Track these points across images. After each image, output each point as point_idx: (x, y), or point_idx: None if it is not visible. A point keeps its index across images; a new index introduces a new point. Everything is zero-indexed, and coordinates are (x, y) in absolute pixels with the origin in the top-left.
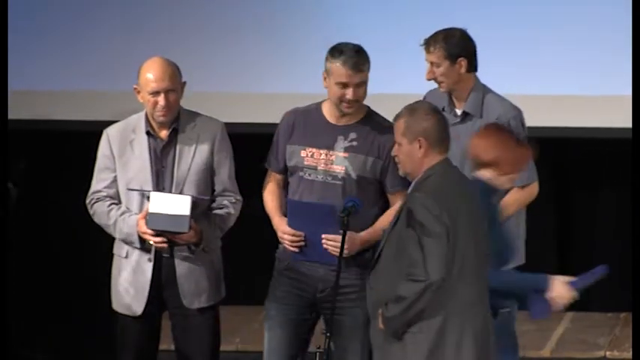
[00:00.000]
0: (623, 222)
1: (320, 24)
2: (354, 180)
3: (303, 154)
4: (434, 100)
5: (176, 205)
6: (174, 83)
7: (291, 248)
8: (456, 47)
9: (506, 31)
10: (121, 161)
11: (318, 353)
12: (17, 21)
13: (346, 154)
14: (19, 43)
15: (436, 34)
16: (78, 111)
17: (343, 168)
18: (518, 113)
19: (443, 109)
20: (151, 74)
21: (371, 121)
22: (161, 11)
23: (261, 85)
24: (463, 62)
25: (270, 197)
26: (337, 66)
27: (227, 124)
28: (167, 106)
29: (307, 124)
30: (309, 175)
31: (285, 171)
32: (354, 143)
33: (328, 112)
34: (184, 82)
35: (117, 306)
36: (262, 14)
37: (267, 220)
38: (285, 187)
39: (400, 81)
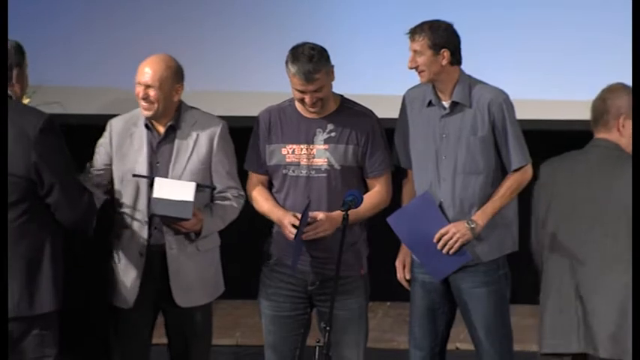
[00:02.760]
0: None
1: (319, 24)
2: (337, 170)
3: (284, 151)
4: (418, 97)
5: (180, 191)
6: (156, 80)
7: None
8: (440, 38)
9: (509, 33)
10: (120, 152)
11: (317, 347)
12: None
13: (326, 146)
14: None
15: (422, 23)
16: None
17: (325, 160)
18: (507, 97)
19: (430, 103)
20: (140, 66)
21: (346, 109)
22: (163, 9)
23: (262, 84)
24: (446, 53)
25: (262, 197)
26: (292, 74)
27: (233, 118)
28: (145, 99)
29: (284, 121)
30: (293, 171)
31: (267, 171)
32: (333, 134)
33: (302, 107)
34: (179, 86)
35: (111, 299)
36: (263, 15)
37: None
38: (269, 187)
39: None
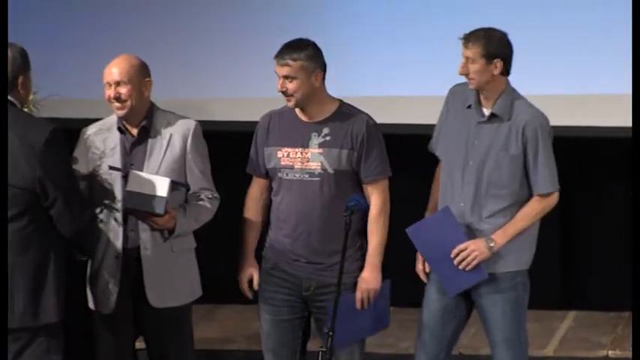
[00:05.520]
0: (627, 220)
1: (325, 26)
2: (331, 175)
3: (279, 154)
4: (462, 95)
5: (154, 185)
6: (124, 76)
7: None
8: (494, 47)
9: (514, 33)
10: (94, 157)
11: (320, 352)
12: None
13: (321, 150)
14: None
15: (478, 30)
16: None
17: (319, 164)
18: (545, 120)
19: (470, 107)
20: (105, 69)
21: (342, 113)
22: (161, 16)
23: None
24: (498, 64)
25: (245, 223)
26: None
27: (230, 123)
28: (117, 98)
29: (282, 124)
30: (287, 174)
31: (268, 174)
32: (328, 138)
33: (300, 111)
34: (148, 80)
35: (90, 304)
36: (269, 18)
37: (269, 218)
38: (270, 190)
39: (404, 83)
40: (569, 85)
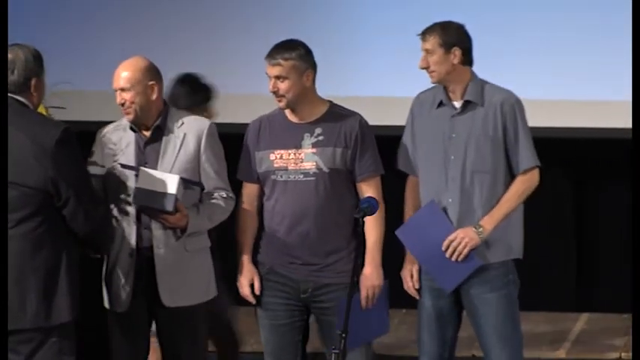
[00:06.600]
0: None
1: (333, 27)
2: (326, 174)
3: (272, 157)
4: (427, 100)
5: (164, 183)
6: (127, 82)
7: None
8: (451, 37)
9: (520, 36)
10: (109, 156)
11: (333, 354)
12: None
13: (314, 150)
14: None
15: (433, 24)
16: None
17: (314, 164)
18: (518, 98)
19: (441, 103)
20: (115, 71)
21: (334, 113)
22: (168, 13)
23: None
24: (457, 52)
25: (241, 228)
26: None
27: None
28: (122, 103)
29: (272, 127)
30: (281, 176)
31: (259, 179)
32: (321, 138)
33: (291, 113)
34: (153, 84)
35: (105, 302)
36: (273, 18)
37: (262, 223)
38: (261, 195)
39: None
40: (572, 90)
